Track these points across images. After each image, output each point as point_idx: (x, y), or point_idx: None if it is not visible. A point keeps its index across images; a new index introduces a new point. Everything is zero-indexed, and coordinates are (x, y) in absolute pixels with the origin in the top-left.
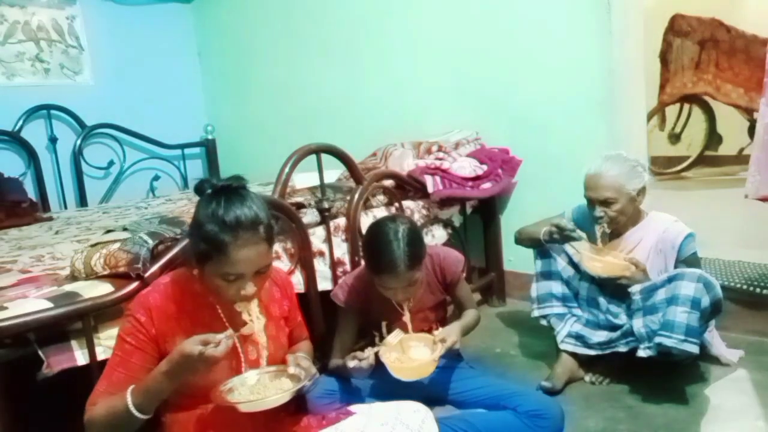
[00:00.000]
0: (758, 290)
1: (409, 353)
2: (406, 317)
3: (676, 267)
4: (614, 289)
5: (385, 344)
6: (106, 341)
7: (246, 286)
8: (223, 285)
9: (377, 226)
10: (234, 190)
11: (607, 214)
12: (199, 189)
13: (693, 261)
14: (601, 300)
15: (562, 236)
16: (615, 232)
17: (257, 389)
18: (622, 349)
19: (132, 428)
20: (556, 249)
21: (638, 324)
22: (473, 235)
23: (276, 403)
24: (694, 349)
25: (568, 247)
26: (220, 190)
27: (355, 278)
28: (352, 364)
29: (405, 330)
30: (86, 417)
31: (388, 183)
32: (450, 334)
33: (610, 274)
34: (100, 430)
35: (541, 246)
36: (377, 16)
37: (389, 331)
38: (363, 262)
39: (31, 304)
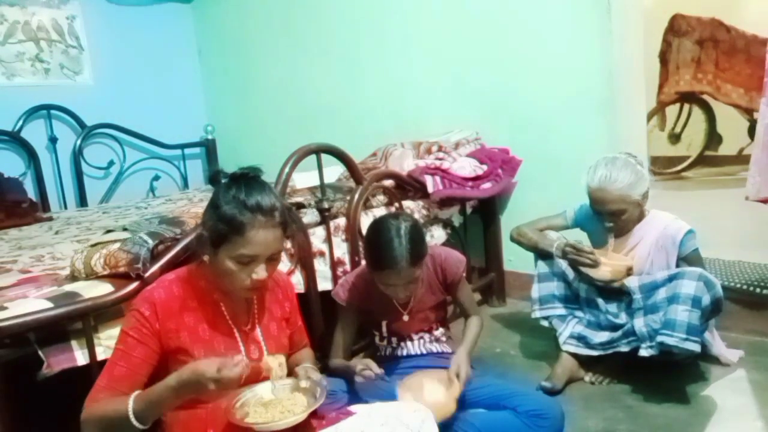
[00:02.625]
0: (758, 290)
1: (425, 394)
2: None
3: (677, 264)
4: (612, 290)
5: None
6: (106, 341)
7: (258, 270)
8: (236, 268)
9: (379, 223)
10: (253, 178)
11: (617, 224)
12: (213, 179)
13: (695, 258)
14: (600, 301)
15: (578, 255)
16: (618, 231)
17: (272, 405)
18: (624, 348)
19: None
20: None
21: (639, 323)
22: (473, 235)
23: (294, 423)
24: (696, 347)
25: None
26: (240, 177)
27: (357, 277)
28: (359, 380)
29: (405, 329)
30: (84, 414)
31: (388, 183)
32: (461, 365)
33: (616, 278)
34: (95, 430)
35: (546, 255)
36: (377, 16)
37: (389, 331)
38: (364, 261)
39: (31, 304)
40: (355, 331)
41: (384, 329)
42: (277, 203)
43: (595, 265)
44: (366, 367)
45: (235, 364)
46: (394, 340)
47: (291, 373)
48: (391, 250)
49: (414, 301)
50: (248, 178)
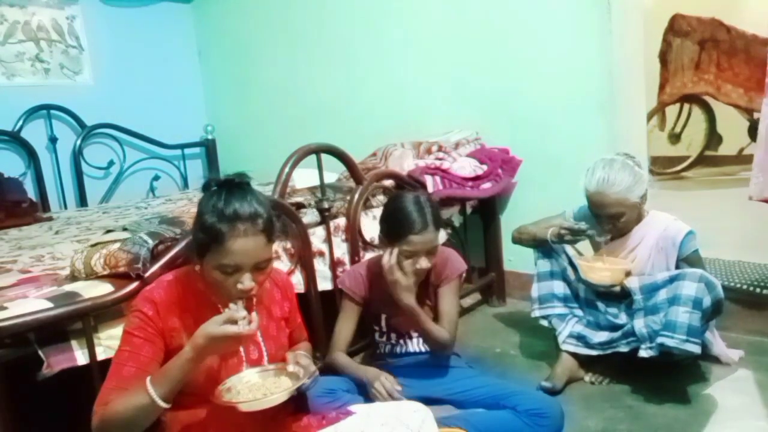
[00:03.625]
0: (758, 290)
1: None
2: None
3: (677, 265)
4: (612, 293)
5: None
6: (106, 341)
7: (243, 279)
8: (222, 278)
9: (399, 195)
10: (236, 185)
11: (616, 227)
12: (206, 186)
13: (695, 259)
14: (599, 301)
15: (574, 236)
16: (617, 232)
17: (256, 388)
18: (623, 349)
19: (149, 422)
20: (557, 249)
21: (639, 324)
22: (473, 235)
23: (275, 402)
24: (696, 349)
25: (569, 249)
26: (223, 185)
27: (364, 267)
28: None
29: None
30: (98, 418)
31: (388, 183)
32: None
33: (615, 282)
34: (115, 429)
35: (545, 245)
36: (377, 15)
37: (388, 326)
38: (375, 250)
39: (31, 304)
40: (356, 323)
41: (383, 323)
42: (260, 210)
43: (591, 236)
44: (383, 387)
45: (244, 318)
46: (393, 336)
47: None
48: (415, 213)
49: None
50: (231, 186)
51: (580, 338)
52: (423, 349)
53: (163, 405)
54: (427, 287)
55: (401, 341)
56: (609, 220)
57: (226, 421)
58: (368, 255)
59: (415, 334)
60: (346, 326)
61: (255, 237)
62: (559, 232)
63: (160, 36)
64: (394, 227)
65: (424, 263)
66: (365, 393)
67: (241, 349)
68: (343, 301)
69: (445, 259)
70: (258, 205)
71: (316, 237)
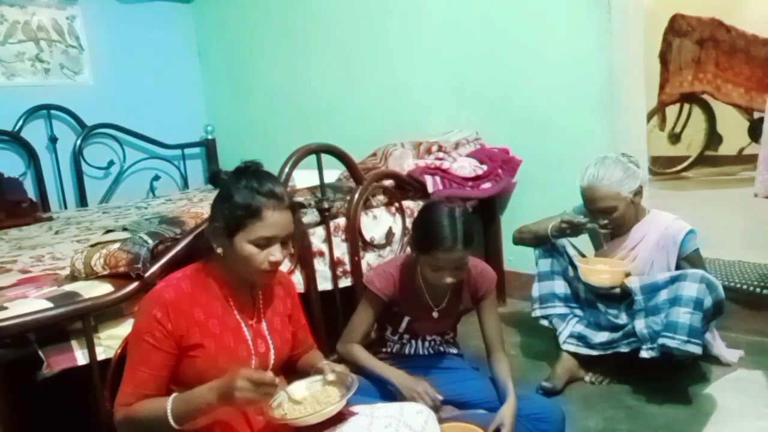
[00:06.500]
0: (758, 290)
1: None
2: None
3: (678, 264)
4: (612, 295)
5: None
6: (106, 341)
7: (275, 251)
8: (254, 252)
9: (433, 205)
10: (258, 168)
11: (611, 222)
12: (214, 177)
13: (696, 258)
14: (599, 302)
15: (575, 230)
16: (619, 230)
17: (308, 402)
18: (624, 349)
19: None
20: (559, 248)
21: (640, 325)
22: None
23: (331, 414)
24: (697, 349)
25: (570, 249)
26: (246, 169)
27: (395, 267)
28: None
29: None
30: (122, 416)
31: (388, 183)
32: (506, 420)
33: (615, 284)
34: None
35: (545, 243)
36: (377, 15)
37: (408, 328)
38: (407, 249)
39: (31, 304)
40: (374, 321)
41: (404, 325)
42: (284, 189)
43: (593, 228)
44: (428, 397)
45: (270, 382)
46: (406, 337)
47: (308, 373)
48: (447, 229)
49: (446, 302)
50: (256, 168)
51: (581, 338)
52: (431, 352)
53: (172, 423)
54: (460, 294)
55: (412, 342)
56: (602, 215)
57: (231, 418)
58: (368, 255)
59: (428, 337)
60: (365, 320)
61: (285, 211)
62: (560, 226)
63: (160, 36)
64: (423, 239)
65: (449, 279)
66: (383, 392)
67: (250, 341)
68: (368, 295)
69: (479, 272)
70: (281, 184)
71: (316, 237)
